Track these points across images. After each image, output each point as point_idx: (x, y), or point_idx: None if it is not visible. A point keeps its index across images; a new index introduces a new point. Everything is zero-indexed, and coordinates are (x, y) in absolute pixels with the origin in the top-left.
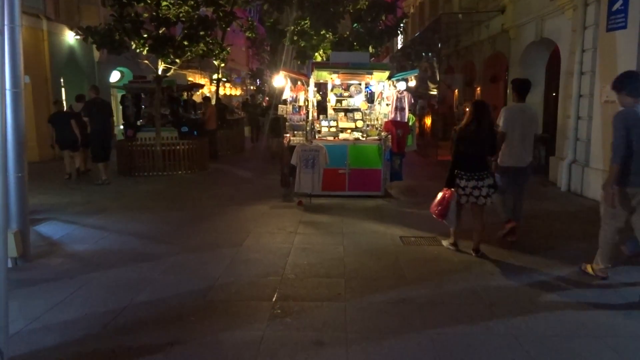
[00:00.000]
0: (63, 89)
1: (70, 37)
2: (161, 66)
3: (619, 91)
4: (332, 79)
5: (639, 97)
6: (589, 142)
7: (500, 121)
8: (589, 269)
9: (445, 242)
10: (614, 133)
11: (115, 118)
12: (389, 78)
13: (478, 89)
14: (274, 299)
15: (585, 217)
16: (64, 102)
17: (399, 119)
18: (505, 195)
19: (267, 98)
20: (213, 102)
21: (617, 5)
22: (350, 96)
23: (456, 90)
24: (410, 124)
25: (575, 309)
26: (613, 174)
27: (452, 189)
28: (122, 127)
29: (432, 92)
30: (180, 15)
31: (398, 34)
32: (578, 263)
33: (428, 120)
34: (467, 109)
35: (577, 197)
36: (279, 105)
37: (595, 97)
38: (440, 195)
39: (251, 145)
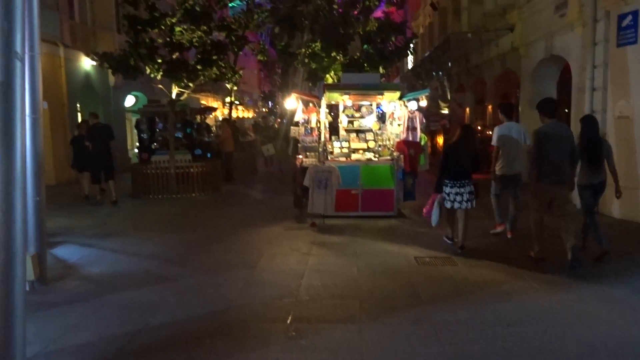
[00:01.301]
0: (79, 114)
1: (86, 63)
2: (175, 90)
3: (539, 112)
4: (344, 100)
5: (552, 117)
6: None
7: (493, 138)
8: (532, 254)
9: (445, 237)
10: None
11: (130, 141)
12: (400, 98)
13: (489, 106)
14: (288, 321)
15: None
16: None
17: (410, 138)
18: (500, 200)
19: (279, 120)
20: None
21: (626, 21)
22: (361, 117)
23: (467, 109)
24: (422, 143)
25: (591, 327)
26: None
27: (439, 194)
28: (136, 150)
29: (443, 111)
30: (194, 40)
31: (408, 54)
32: (598, 281)
33: (440, 139)
34: (457, 130)
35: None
36: (292, 127)
37: (609, 113)
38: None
39: (264, 168)
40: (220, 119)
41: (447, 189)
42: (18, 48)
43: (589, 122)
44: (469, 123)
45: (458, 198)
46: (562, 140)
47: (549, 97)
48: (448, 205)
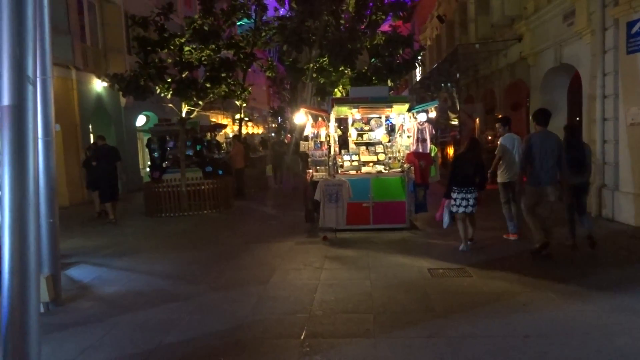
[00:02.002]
0: (92, 135)
1: (98, 85)
2: (185, 108)
3: (534, 121)
4: (352, 113)
5: (544, 126)
6: (617, 166)
7: (498, 148)
8: (536, 246)
9: (461, 246)
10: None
11: (142, 160)
12: (409, 110)
13: (499, 116)
14: (302, 337)
15: (616, 242)
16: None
17: (421, 150)
18: (509, 206)
19: (289, 135)
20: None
21: (636, 28)
22: (371, 130)
23: (477, 119)
24: (432, 154)
25: (610, 338)
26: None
27: (448, 199)
28: (148, 169)
29: (453, 122)
30: (202, 59)
31: (416, 67)
32: (615, 291)
33: (450, 150)
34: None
35: (608, 222)
36: (301, 142)
37: (621, 120)
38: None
39: (274, 184)
40: (231, 135)
41: (454, 195)
42: (30, 72)
43: (571, 129)
44: (475, 136)
45: (464, 203)
46: (549, 145)
47: (543, 107)
48: (454, 209)
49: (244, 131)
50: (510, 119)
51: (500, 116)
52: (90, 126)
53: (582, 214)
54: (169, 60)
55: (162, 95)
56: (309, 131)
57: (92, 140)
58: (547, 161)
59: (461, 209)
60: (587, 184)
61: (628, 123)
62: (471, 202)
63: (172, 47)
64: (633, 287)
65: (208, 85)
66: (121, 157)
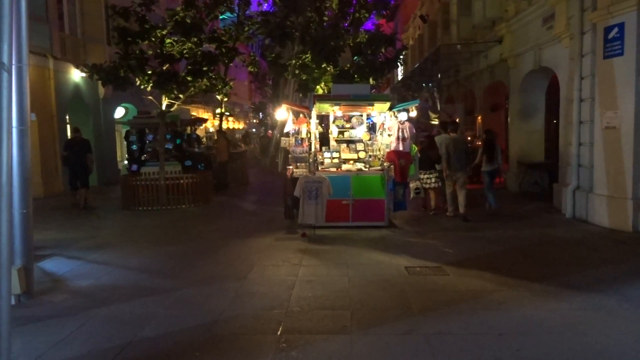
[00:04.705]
0: (68, 126)
1: (76, 75)
2: (165, 101)
3: (449, 130)
4: (334, 110)
5: (456, 133)
6: (592, 168)
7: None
8: (448, 213)
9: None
10: (439, 148)
11: (120, 153)
12: (390, 109)
13: (479, 117)
14: (279, 333)
15: (590, 243)
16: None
17: (401, 148)
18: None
19: (270, 131)
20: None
21: (613, 33)
22: (352, 127)
23: (457, 119)
24: (412, 153)
25: (583, 336)
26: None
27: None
28: (126, 162)
29: (433, 122)
30: (184, 51)
31: (398, 66)
32: (588, 290)
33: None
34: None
35: (582, 223)
36: (282, 138)
37: (596, 124)
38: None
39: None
40: (211, 130)
41: (422, 175)
42: (5, 59)
43: (489, 133)
44: (434, 134)
45: (428, 181)
46: (461, 145)
47: (454, 119)
48: (425, 186)
49: (224, 126)
50: (447, 124)
51: (449, 121)
52: (67, 117)
53: (490, 191)
54: (150, 52)
55: (142, 87)
56: (290, 127)
57: (68, 132)
58: (459, 155)
59: (426, 185)
60: (497, 170)
61: (603, 126)
62: (433, 179)
63: (153, 39)
64: (605, 287)
65: (189, 78)
66: (92, 150)
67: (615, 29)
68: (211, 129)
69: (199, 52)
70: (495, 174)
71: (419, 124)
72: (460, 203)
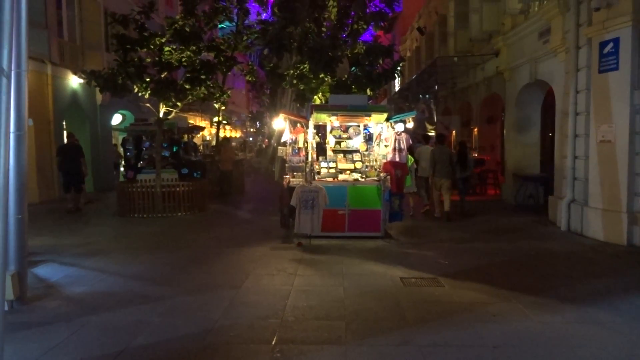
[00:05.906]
0: (65, 132)
1: (73, 81)
2: (162, 109)
3: (435, 142)
4: (331, 121)
5: (442, 144)
6: (587, 182)
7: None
8: (435, 214)
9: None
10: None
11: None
12: (387, 120)
13: (475, 129)
14: (273, 342)
15: (584, 256)
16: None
17: (397, 159)
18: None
19: (266, 140)
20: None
21: (608, 48)
22: (349, 138)
23: (454, 131)
24: (409, 164)
25: (576, 349)
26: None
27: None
28: (122, 169)
29: (430, 133)
30: (183, 60)
31: (395, 77)
32: (582, 303)
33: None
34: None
35: (577, 236)
36: (279, 147)
37: (592, 137)
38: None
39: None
40: (208, 137)
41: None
42: (5, 65)
43: (462, 145)
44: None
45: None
46: (444, 155)
47: (440, 132)
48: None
49: (221, 134)
50: (429, 137)
51: (436, 134)
52: (64, 122)
53: (462, 194)
54: (148, 60)
55: (140, 94)
56: (287, 137)
57: (65, 137)
58: (442, 164)
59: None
60: (468, 177)
61: (598, 140)
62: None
63: (152, 47)
64: (599, 300)
65: (187, 86)
66: (84, 155)
67: (610, 44)
68: (208, 137)
69: (198, 61)
70: (468, 180)
71: (416, 135)
72: (445, 204)
